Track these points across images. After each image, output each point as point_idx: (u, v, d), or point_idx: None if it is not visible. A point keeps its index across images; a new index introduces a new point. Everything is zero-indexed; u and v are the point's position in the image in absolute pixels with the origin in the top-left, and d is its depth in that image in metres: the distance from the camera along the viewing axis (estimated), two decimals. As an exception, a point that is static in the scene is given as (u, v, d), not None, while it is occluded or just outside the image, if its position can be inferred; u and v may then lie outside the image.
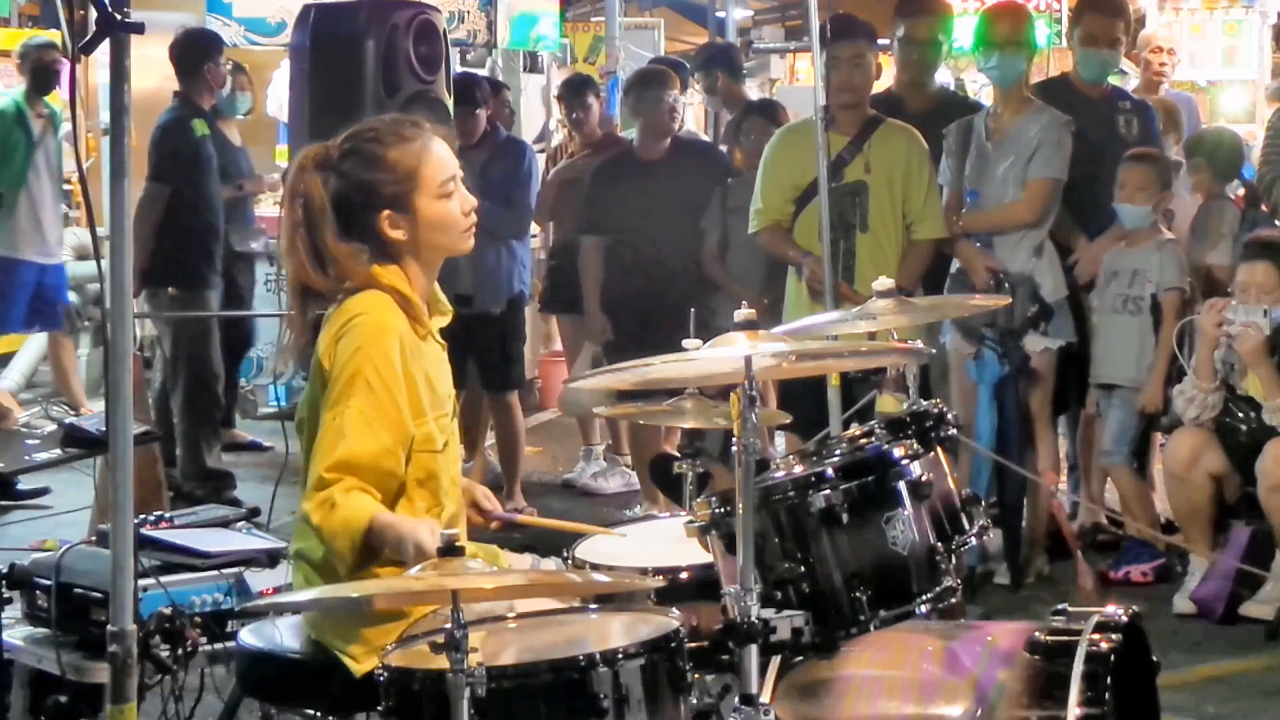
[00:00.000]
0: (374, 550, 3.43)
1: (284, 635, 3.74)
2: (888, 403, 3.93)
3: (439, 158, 3.61)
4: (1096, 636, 3.44)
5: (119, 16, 3.25)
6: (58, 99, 11.51)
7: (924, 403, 3.79)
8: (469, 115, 7.58)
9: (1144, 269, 6.61)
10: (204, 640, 4.16)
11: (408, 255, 3.60)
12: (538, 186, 8.29)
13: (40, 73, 8.59)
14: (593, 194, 7.69)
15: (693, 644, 3.29)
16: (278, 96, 10.26)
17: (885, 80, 7.47)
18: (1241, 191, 7.36)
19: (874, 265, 6.18)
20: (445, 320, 3.74)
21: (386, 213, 3.56)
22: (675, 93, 7.70)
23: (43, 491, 7.65)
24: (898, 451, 3.52)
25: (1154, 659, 3.65)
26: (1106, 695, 3.33)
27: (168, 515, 4.86)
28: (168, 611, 4.07)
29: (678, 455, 4.02)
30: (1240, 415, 6.25)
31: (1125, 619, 3.54)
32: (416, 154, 3.58)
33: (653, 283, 7.22)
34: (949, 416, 3.72)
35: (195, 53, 7.96)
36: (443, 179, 3.60)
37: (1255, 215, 6.98)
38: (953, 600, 3.54)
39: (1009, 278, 6.41)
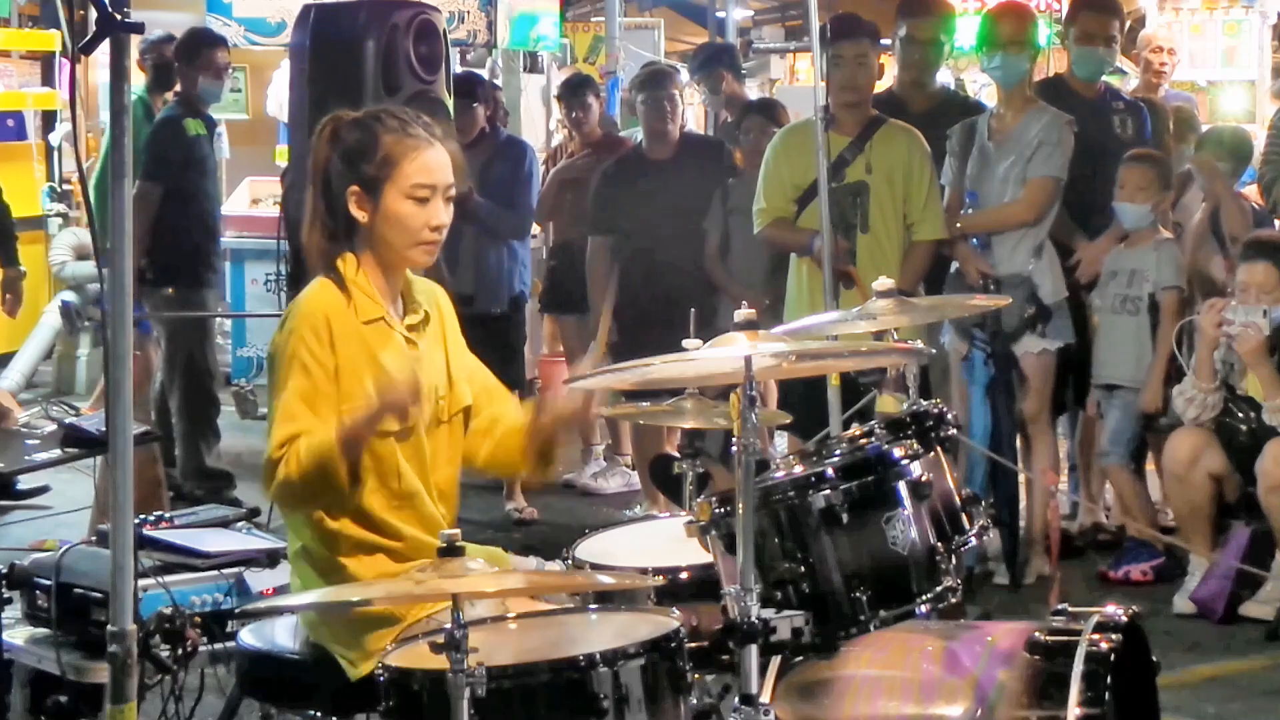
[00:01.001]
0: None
1: (284, 635, 3.74)
2: (888, 403, 3.92)
3: (427, 162, 3.62)
4: (1096, 636, 3.44)
5: (119, 16, 3.25)
6: (56, 99, 11.62)
7: (924, 403, 3.79)
8: (466, 109, 7.61)
9: (1141, 269, 6.62)
10: (204, 640, 4.16)
11: (365, 245, 3.63)
12: (538, 187, 8.29)
13: (162, 69, 8.55)
14: (601, 194, 7.66)
15: (693, 644, 3.29)
16: (278, 96, 10.27)
17: (886, 80, 7.47)
18: (1244, 191, 7.33)
19: (874, 265, 6.17)
20: (416, 319, 3.73)
21: (356, 189, 3.60)
22: (679, 92, 7.70)
23: (42, 490, 7.64)
24: (898, 451, 3.52)
25: (1154, 659, 3.65)
26: (1106, 695, 3.33)
27: (168, 515, 4.86)
28: (168, 611, 4.06)
29: (678, 455, 4.02)
30: (1240, 415, 6.25)
31: (1125, 619, 3.54)
32: (407, 149, 3.61)
33: (661, 282, 7.21)
34: (949, 416, 3.72)
35: (188, 51, 7.94)
36: (419, 182, 3.61)
37: (1260, 216, 6.96)
38: (953, 600, 3.54)
39: (1001, 282, 6.42)
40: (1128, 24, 8.00)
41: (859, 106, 6.46)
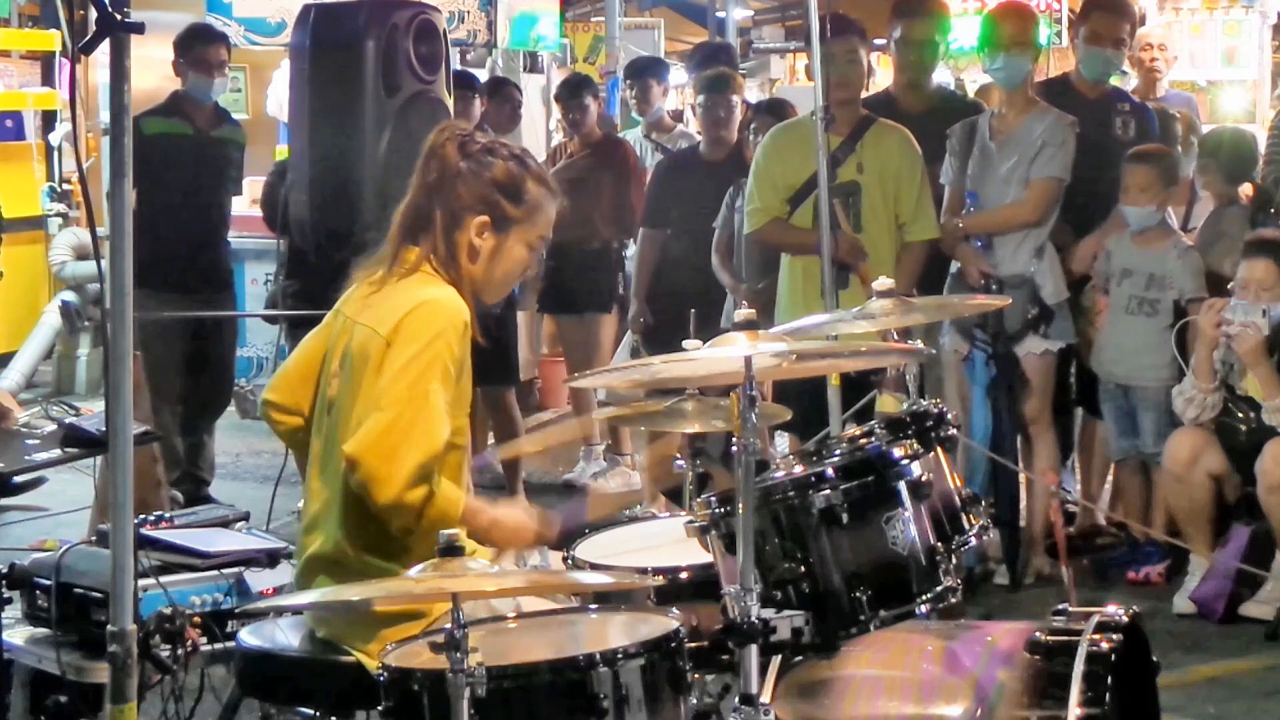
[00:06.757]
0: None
1: (284, 635, 3.74)
2: (888, 403, 3.93)
3: (551, 217, 3.77)
4: (1096, 636, 3.44)
5: (119, 16, 3.24)
6: (56, 99, 11.61)
7: (924, 402, 3.79)
8: (468, 100, 7.78)
9: (1161, 274, 6.58)
10: (204, 640, 4.16)
11: (468, 268, 3.69)
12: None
13: None
14: (655, 189, 7.82)
15: (693, 644, 3.29)
16: (278, 96, 10.25)
17: (882, 80, 7.47)
18: (1249, 191, 7.31)
19: (869, 265, 6.19)
20: None
21: (485, 219, 3.67)
22: (738, 96, 7.78)
23: (39, 481, 7.59)
24: (898, 451, 3.52)
25: (1154, 659, 3.65)
26: (1106, 695, 3.33)
27: (168, 515, 4.86)
28: (168, 611, 4.06)
29: (678, 455, 4.03)
30: (1240, 415, 6.25)
31: (1125, 619, 3.54)
32: (542, 203, 3.73)
33: (700, 279, 7.22)
34: (949, 416, 3.72)
35: (181, 45, 7.87)
36: (540, 234, 3.75)
37: (1264, 218, 6.92)
38: (953, 600, 3.54)
39: (1003, 282, 6.42)
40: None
41: (850, 105, 6.46)
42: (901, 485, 3.51)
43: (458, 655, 2.89)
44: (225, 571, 4.40)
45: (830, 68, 6.27)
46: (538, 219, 3.73)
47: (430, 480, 3.49)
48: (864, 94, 6.75)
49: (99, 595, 4.07)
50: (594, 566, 3.72)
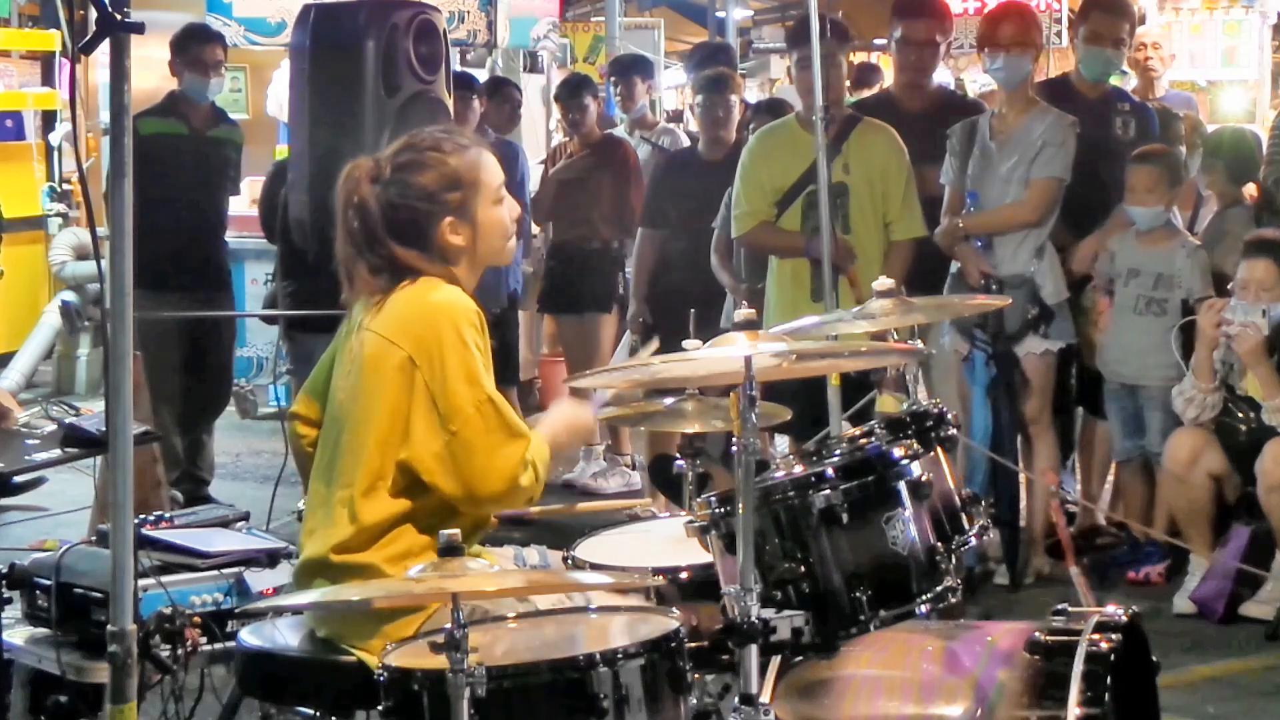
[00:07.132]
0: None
1: (284, 635, 3.74)
2: (888, 403, 3.93)
3: (491, 164, 3.73)
4: (1096, 636, 3.44)
5: (119, 16, 3.24)
6: (56, 99, 11.62)
7: (924, 402, 3.79)
8: (468, 100, 7.82)
9: (1169, 273, 6.57)
10: (204, 640, 4.16)
11: (462, 261, 3.69)
12: (531, 188, 8.33)
13: None
14: (654, 190, 7.81)
15: (693, 644, 3.29)
16: (278, 96, 10.25)
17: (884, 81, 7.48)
18: (1253, 191, 7.31)
19: (858, 266, 6.19)
20: None
21: (449, 220, 3.64)
22: (736, 96, 7.80)
23: (39, 481, 7.59)
24: (898, 451, 3.53)
25: (1154, 659, 3.66)
26: (1106, 695, 3.34)
27: (168, 515, 4.86)
28: (168, 611, 4.06)
29: (678, 455, 4.03)
30: (1240, 415, 6.25)
31: (1125, 619, 3.54)
32: (476, 162, 3.69)
33: (700, 278, 7.22)
34: (949, 416, 3.73)
35: (178, 45, 7.86)
36: (497, 184, 3.71)
37: (1269, 219, 6.90)
38: (953, 600, 3.55)
39: (1003, 282, 6.42)
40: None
41: (834, 107, 6.44)
42: (901, 485, 3.51)
43: (458, 655, 2.89)
44: (225, 571, 4.39)
45: (809, 71, 6.28)
46: (484, 178, 3.68)
47: (530, 463, 3.57)
48: (868, 93, 6.75)
49: (99, 595, 4.07)
50: (594, 566, 3.72)
